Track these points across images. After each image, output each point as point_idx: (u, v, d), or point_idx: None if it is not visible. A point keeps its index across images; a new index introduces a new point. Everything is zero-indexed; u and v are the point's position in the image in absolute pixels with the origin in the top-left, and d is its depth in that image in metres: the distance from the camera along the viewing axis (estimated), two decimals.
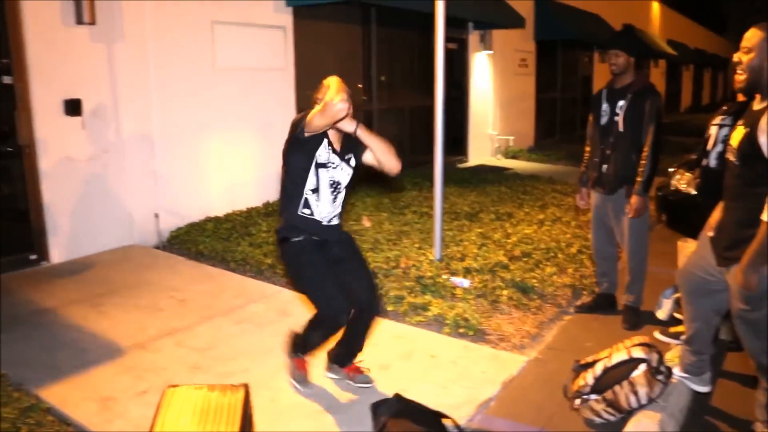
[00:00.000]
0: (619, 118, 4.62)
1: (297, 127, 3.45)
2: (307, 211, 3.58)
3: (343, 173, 3.62)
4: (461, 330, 4.55)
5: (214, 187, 7.45)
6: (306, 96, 8.61)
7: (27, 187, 5.88)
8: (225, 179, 7.58)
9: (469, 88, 12.69)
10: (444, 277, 5.44)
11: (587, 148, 4.96)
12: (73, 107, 6.02)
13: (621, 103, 4.63)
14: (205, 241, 6.45)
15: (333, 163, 3.57)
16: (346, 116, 3.33)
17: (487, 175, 10.89)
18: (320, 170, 3.54)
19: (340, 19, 9.45)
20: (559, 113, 17.18)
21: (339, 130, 3.52)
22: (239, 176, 7.77)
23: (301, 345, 3.83)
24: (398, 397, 3.26)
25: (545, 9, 14.56)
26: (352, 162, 3.65)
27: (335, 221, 3.69)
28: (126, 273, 5.78)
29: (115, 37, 6.32)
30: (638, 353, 3.47)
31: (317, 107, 3.36)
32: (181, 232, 6.80)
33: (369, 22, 9.98)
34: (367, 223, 7.21)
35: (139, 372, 3.95)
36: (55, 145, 5.97)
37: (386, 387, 3.75)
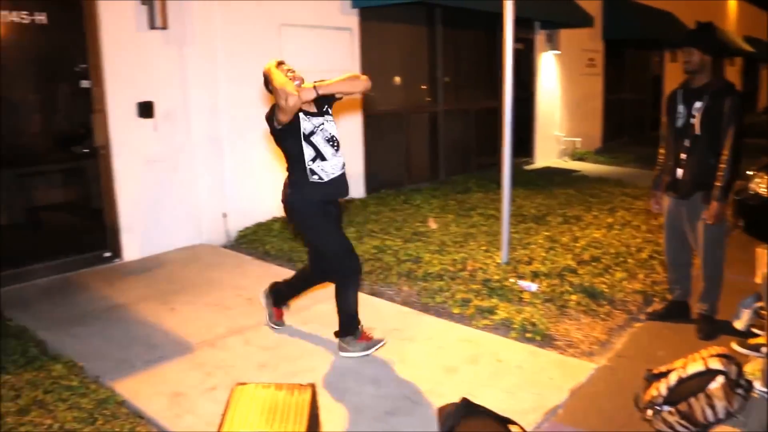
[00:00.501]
0: (696, 120, 4.44)
1: (271, 123, 3.85)
2: (315, 177, 3.93)
3: (331, 125, 3.98)
4: (528, 335, 4.48)
5: (282, 187, 7.50)
6: (371, 97, 8.69)
7: (102, 186, 6.06)
8: None
9: (535, 88, 12.54)
10: (511, 280, 5.38)
11: (661, 151, 4.80)
12: (145, 110, 6.18)
13: (698, 104, 4.45)
14: (271, 241, 6.53)
15: (319, 125, 3.91)
16: (301, 100, 3.65)
17: (553, 177, 10.74)
18: (312, 137, 3.89)
19: (406, 20, 9.45)
20: (627, 114, 16.80)
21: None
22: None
23: (352, 321, 4.24)
24: (466, 402, 3.22)
25: (615, 7, 14.24)
26: (330, 110, 4.03)
27: (342, 170, 4.05)
28: (195, 271, 5.89)
29: (185, 40, 6.46)
30: (716, 364, 3.34)
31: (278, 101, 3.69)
32: (248, 231, 6.90)
33: (434, 23, 9.94)
34: (433, 224, 7.19)
35: (209, 368, 4.01)
36: (129, 146, 6.14)
37: (453, 391, 3.71)
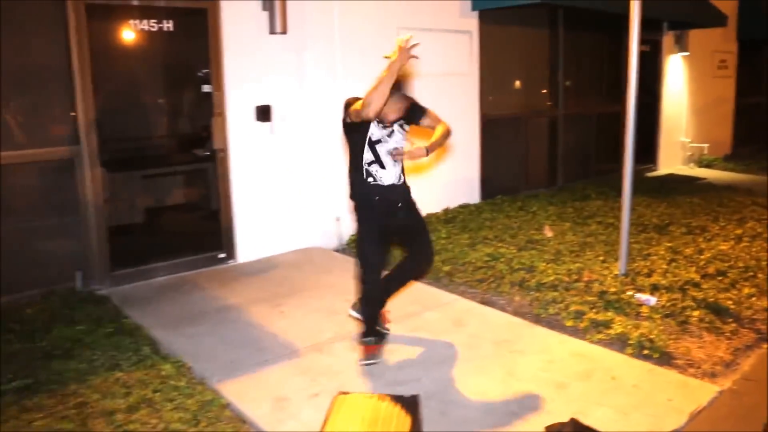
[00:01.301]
0: None
1: (346, 111, 3.94)
2: (370, 179, 4.04)
3: (399, 138, 4.06)
4: (645, 351, 4.23)
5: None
6: (489, 101, 8.54)
7: (219, 188, 6.21)
8: None
9: (661, 92, 12.00)
10: (629, 293, 5.11)
11: None
12: (263, 113, 6.30)
13: None
14: None
15: (386, 137, 4.01)
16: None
17: (678, 185, 10.23)
18: (376, 146, 3.98)
19: (526, 23, 9.23)
20: (761, 119, 15.79)
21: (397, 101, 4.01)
22: (419, 181, 7.74)
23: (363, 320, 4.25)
24: (574, 422, 3.06)
25: (751, 4, 13.43)
26: (406, 127, 4.14)
27: (398, 181, 4.12)
28: (306, 274, 5.94)
29: (304, 44, 6.53)
30: None
31: (358, 103, 3.76)
32: None
33: (556, 25, 9.68)
34: (549, 232, 6.96)
35: (314, 374, 4.00)
36: (246, 149, 6.27)
37: (562, 408, 3.55)
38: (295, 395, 3.75)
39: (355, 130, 3.98)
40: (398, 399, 3.16)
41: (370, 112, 3.66)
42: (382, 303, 4.39)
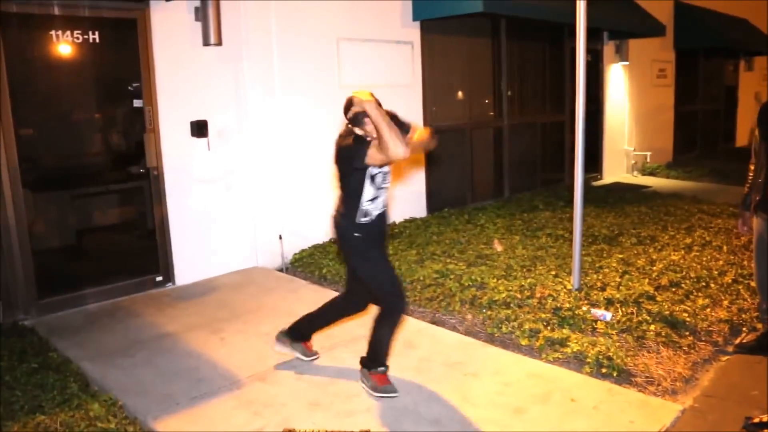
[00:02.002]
0: None
1: (344, 154, 3.77)
2: (366, 219, 3.82)
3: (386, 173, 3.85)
4: (604, 370, 4.08)
5: (334, 210, 7.25)
6: (433, 112, 8.39)
7: (154, 208, 5.89)
8: None
9: (603, 101, 12.07)
10: (584, 308, 4.97)
11: (751, 167, 4.36)
12: (199, 129, 6.01)
13: None
14: (328, 264, 6.26)
15: (386, 169, 3.81)
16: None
17: (624, 193, 10.22)
18: (375, 179, 3.77)
19: (469, 33, 9.12)
20: (700, 126, 16.08)
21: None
22: None
23: (378, 355, 3.91)
24: None
25: (687, 15, 13.67)
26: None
27: (385, 207, 3.93)
28: (248, 297, 5.66)
29: (241, 57, 6.27)
30: None
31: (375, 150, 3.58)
32: (304, 254, 6.65)
33: (498, 35, 9.60)
34: (498, 247, 6.80)
35: (257, 407, 3.73)
36: (182, 166, 5.97)
37: None
38: (238, 431, 3.48)
39: (359, 171, 3.74)
40: None
41: (403, 153, 3.49)
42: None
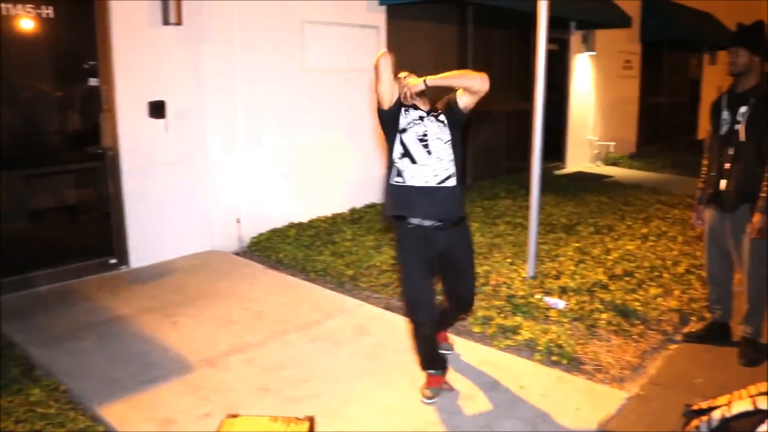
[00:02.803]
0: (741, 127, 4.06)
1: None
2: (399, 179, 3.44)
3: (432, 124, 3.48)
4: (554, 357, 4.12)
5: (299, 191, 7.22)
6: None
7: (109, 190, 5.80)
8: (310, 183, 7.35)
9: (569, 91, 12.12)
10: (537, 296, 5.01)
11: (704, 161, 4.41)
12: (157, 109, 5.91)
13: (743, 109, 4.07)
14: (286, 249, 6.23)
15: (414, 121, 3.47)
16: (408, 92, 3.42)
17: (585, 183, 10.31)
18: (403, 135, 3.45)
19: (436, 19, 9.09)
20: (664, 118, 16.26)
21: (419, 97, 3.52)
22: (326, 180, 7.53)
23: (421, 359, 3.74)
24: None
25: (653, 7, 13.76)
26: (442, 117, 3.51)
27: (438, 182, 3.44)
28: (203, 280, 5.60)
29: (201, 37, 6.18)
30: (765, 404, 2.96)
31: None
32: (262, 238, 6.61)
33: (465, 22, 9.57)
34: None
35: (205, 392, 3.71)
36: (138, 147, 5.87)
37: (469, 422, 3.41)
38: (183, 416, 3.46)
39: (387, 121, 3.51)
40: (291, 420, 2.92)
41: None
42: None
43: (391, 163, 3.49)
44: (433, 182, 3.43)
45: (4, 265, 5.24)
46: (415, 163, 3.43)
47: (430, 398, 3.62)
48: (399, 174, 3.45)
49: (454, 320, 4.25)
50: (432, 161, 3.43)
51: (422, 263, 3.51)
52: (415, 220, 3.46)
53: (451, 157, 3.48)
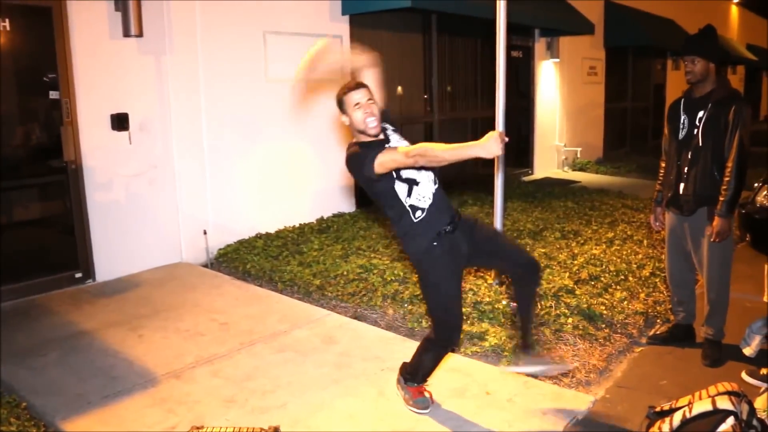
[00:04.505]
0: (699, 131, 4.14)
1: (362, 171, 3.20)
2: (419, 213, 3.32)
3: (402, 140, 3.47)
4: (521, 363, 4.14)
5: (266, 202, 7.21)
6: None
7: (73, 203, 5.74)
8: (277, 194, 7.34)
9: (535, 98, 12.23)
10: (503, 302, 5.04)
11: (662, 165, 4.47)
12: (119, 122, 5.87)
13: (701, 113, 4.14)
14: (253, 260, 6.21)
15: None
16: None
17: (553, 188, 10.39)
18: (402, 174, 3.30)
19: (400, 28, 9.14)
20: (629, 123, 16.47)
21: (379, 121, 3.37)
22: (292, 191, 7.52)
23: (417, 374, 3.63)
24: None
25: (616, 14, 13.96)
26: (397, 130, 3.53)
27: (434, 187, 3.42)
28: (170, 293, 5.56)
29: (163, 49, 6.16)
30: (725, 404, 3.00)
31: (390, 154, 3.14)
32: (229, 249, 6.58)
33: (429, 30, 9.64)
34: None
35: (171, 405, 3.68)
36: (101, 160, 5.82)
37: (436, 428, 3.41)
38: (148, 430, 3.43)
39: (381, 180, 3.25)
40: (256, 431, 2.91)
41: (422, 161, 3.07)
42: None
43: (402, 212, 3.34)
44: (433, 187, 3.42)
45: None
46: (418, 183, 3.35)
47: (427, 408, 3.61)
48: (414, 211, 3.33)
49: (536, 295, 4.10)
50: (422, 172, 3.37)
51: (458, 280, 3.45)
52: (448, 228, 3.38)
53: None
